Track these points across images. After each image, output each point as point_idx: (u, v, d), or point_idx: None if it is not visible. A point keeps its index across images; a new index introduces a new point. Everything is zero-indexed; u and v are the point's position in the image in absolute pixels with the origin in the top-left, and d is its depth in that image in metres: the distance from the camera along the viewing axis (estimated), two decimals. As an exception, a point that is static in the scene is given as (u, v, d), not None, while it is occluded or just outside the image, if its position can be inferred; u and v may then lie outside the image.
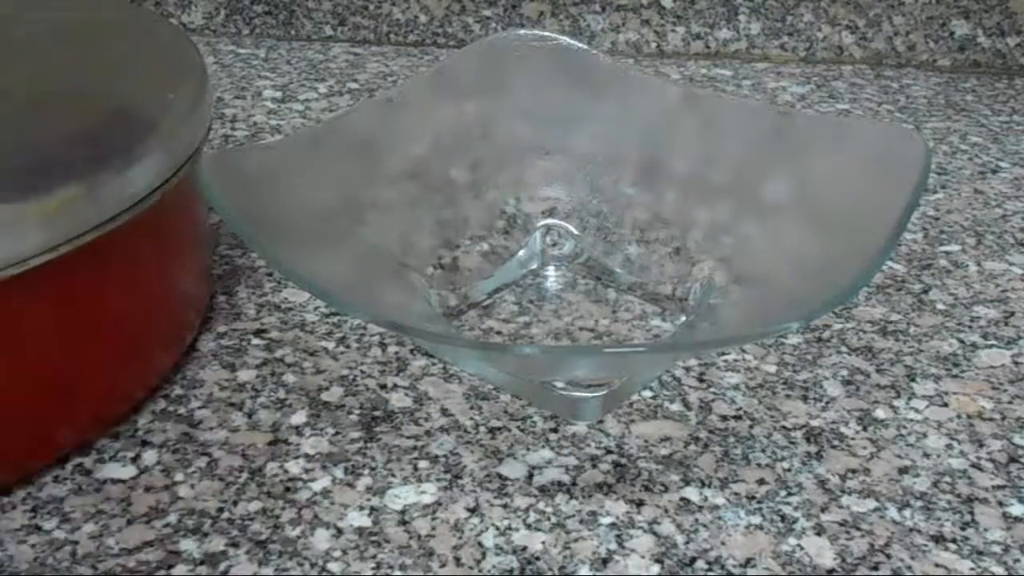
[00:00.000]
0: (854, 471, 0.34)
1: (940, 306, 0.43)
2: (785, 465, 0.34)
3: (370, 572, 0.29)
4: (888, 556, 0.31)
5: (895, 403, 0.37)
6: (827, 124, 0.40)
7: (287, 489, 0.32)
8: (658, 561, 0.30)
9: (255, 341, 0.40)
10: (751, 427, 0.36)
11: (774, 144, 0.39)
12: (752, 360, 0.39)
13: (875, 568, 0.30)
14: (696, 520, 0.32)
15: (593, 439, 0.35)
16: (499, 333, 0.40)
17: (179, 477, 0.33)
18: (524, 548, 0.30)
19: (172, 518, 0.31)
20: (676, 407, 0.36)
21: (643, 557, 0.30)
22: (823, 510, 0.32)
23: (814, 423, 0.36)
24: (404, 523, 0.31)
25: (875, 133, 0.37)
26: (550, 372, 0.36)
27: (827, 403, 0.37)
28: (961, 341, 0.41)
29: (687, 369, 0.38)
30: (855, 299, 0.43)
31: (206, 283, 0.40)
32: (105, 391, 0.34)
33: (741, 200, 0.40)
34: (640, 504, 0.32)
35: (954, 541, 0.31)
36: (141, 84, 0.38)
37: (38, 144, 0.33)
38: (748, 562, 0.30)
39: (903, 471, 0.34)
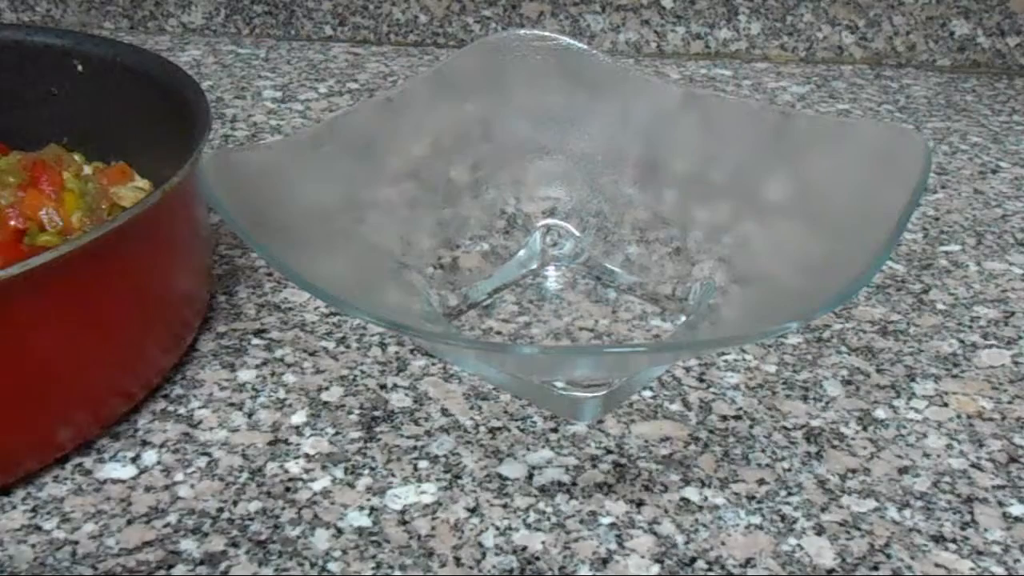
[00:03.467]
0: (854, 471, 0.34)
1: (940, 306, 0.43)
2: (785, 465, 0.34)
3: (370, 572, 0.29)
4: (888, 556, 0.30)
5: (895, 403, 0.37)
6: (827, 124, 0.40)
7: (287, 489, 0.32)
8: (658, 561, 0.30)
9: (255, 341, 0.40)
10: (751, 427, 0.36)
11: (774, 144, 0.39)
12: (752, 360, 0.39)
13: (875, 568, 0.30)
14: (696, 520, 0.32)
15: (593, 439, 0.35)
16: (499, 333, 0.40)
17: (179, 477, 0.33)
18: (524, 548, 0.30)
19: (172, 518, 0.31)
20: (676, 407, 0.36)
21: (643, 557, 0.30)
22: (823, 510, 0.32)
23: (814, 423, 0.36)
24: (404, 523, 0.31)
25: (875, 133, 0.37)
26: (550, 372, 0.36)
27: (827, 403, 0.37)
28: (961, 341, 0.41)
29: (687, 369, 0.38)
30: (855, 299, 0.43)
31: (206, 283, 0.40)
32: (105, 390, 0.34)
33: (741, 200, 0.40)
34: (640, 504, 0.32)
35: (954, 541, 0.31)
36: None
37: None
38: (748, 562, 0.30)
39: (903, 471, 0.34)
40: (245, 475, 0.33)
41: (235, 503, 0.32)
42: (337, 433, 0.35)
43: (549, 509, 0.32)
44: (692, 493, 0.33)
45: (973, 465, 0.34)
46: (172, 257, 0.37)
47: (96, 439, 0.34)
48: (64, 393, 0.32)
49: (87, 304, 0.32)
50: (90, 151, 0.43)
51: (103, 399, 0.34)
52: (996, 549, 0.31)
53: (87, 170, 0.41)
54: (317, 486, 0.33)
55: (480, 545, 0.30)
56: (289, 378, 0.37)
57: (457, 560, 0.30)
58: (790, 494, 0.33)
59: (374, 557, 0.30)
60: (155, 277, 0.35)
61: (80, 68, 0.44)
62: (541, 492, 0.33)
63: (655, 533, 0.31)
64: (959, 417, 0.37)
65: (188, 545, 0.30)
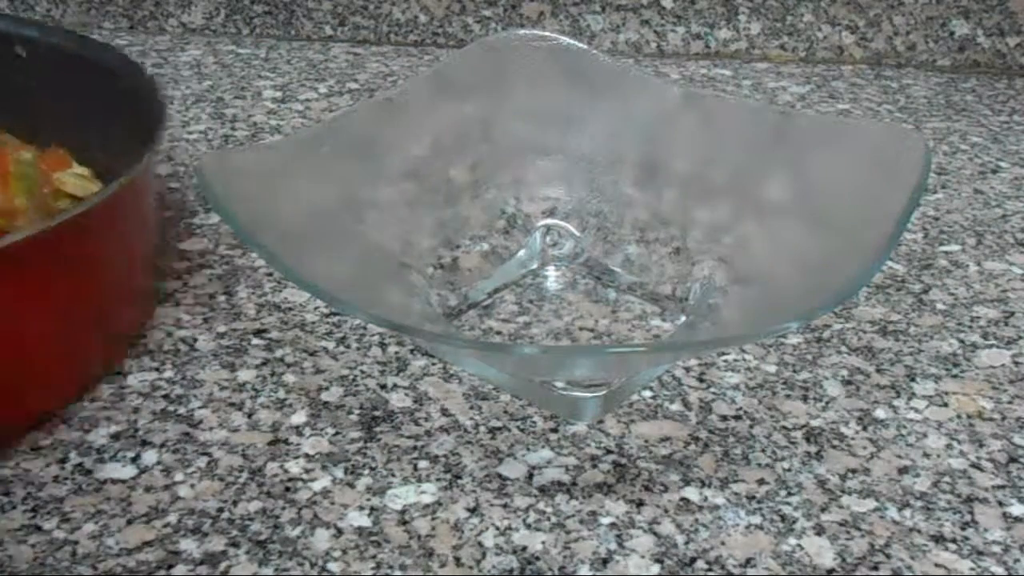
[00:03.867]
0: (854, 471, 0.34)
1: (940, 306, 0.43)
2: (785, 465, 0.34)
3: (370, 572, 0.29)
4: (888, 556, 0.31)
5: (895, 403, 0.37)
6: (827, 124, 0.40)
7: (287, 489, 0.32)
8: (658, 561, 0.30)
9: (255, 341, 0.40)
10: (751, 427, 0.36)
11: (774, 144, 0.39)
12: (752, 360, 0.39)
13: (875, 568, 0.30)
14: (696, 520, 0.32)
15: (593, 439, 0.35)
16: (499, 333, 0.40)
17: (179, 477, 0.33)
18: (524, 548, 0.30)
19: (172, 518, 0.31)
20: (676, 407, 0.36)
21: (643, 557, 0.30)
22: (823, 510, 0.32)
23: (814, 423, 0.36)
24: (404, 523, 0.31)
25: (875, 133, 0.38)
26: (550, 372, 0.36)
27: (827, 403, 0.37)
28: (961, 341, 0.41)
29: (687, 369, 0.38)
30: (855, 299, 0.43)
31: (151, 276, 0.41)
32: (52, 371, 0.34)
33: (741, 200, 0.40)
34: (640, 504, 0.32)
35: (954, 541, 0.31)
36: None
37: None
38: (748, 562, 0.30)
39: (903, 471, 0.34)
40: (245, 475, 0.33)
41: (235, 503, 0.32)
42: (337, 433, 0.35)
43: (549, 509, 0.32)
44: (692, 493, 0.33)
45: (973, 465, 0.34)
46: (119, 248, 0.37)
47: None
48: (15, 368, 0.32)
49: (37, 289, 0.32)
50: (22, 136, 0.43)
51: (52, 378, 0.34)
52: (996, 549, 0.31)
53: (27, 155, 0.41)
54: (317, 486, 0.33)
55: (480, 545, 0.30)
56: (289, 378, 0.38)
57: (457, 560, 0.30)
58: (790, 494, 0.33)
59: (374, 557, 0.30)
60: (102, 267, 0.36)
61: (22, 53, 0.44)
62: (541, 492, 0.33)
63: (655, 533, 0.31)
64: (959, 417, 0.37)
65: (188, 545, 0.30)
